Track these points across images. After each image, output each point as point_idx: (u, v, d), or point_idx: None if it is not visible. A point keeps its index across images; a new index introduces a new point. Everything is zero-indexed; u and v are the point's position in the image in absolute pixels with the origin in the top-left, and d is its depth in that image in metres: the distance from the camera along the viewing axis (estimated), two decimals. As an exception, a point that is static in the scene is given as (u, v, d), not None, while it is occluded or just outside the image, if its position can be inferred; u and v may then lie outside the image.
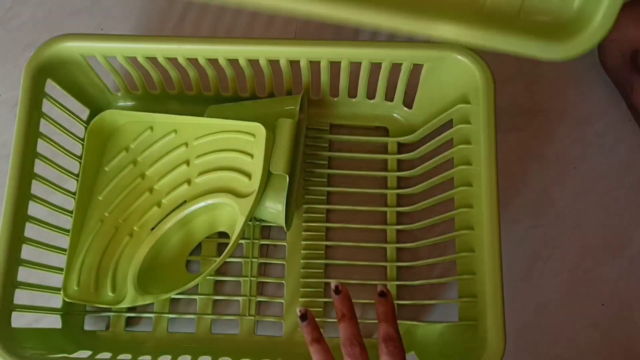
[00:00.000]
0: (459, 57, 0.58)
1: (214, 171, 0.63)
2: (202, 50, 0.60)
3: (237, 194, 0.61)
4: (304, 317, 0.49)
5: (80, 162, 0.66)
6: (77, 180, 0.65)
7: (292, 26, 0.75)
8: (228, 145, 0.64)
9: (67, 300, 0.62)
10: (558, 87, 0.74)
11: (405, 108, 0.69)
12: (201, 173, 0.64)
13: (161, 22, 0.76)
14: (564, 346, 0.66)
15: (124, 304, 0.60)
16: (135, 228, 0.64)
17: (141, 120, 0.67)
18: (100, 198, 0.65)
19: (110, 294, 0.62)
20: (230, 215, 0.63)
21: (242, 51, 0.60)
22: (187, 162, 0.64)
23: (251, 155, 0.62)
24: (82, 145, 0.66)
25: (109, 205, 0.65)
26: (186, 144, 0.65)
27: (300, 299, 0.65)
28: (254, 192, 0.60)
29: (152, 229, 0.64)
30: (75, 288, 0.62)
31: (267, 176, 0.62)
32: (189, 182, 0.64)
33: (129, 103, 0.70)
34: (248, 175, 0.62)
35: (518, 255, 0.69)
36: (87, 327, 0.65)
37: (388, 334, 0.48)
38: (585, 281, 0.68)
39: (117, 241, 0.64)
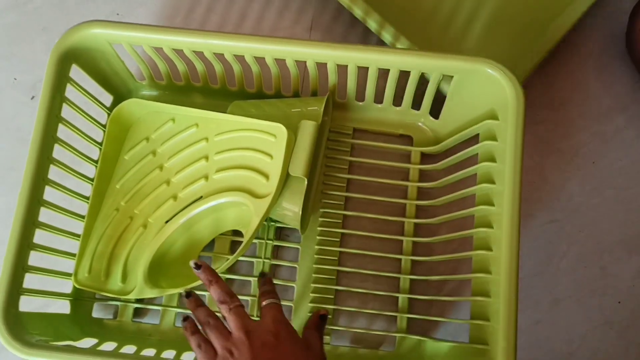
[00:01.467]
0: (489, 71, 0.57)
1: (232, 169, 0.62)
2: (229, 47, 0.59)
3: (254, 194, 0.60)
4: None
5: (100, 149, 0.65)
6: (96, 167, 0.65)
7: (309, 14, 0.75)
8: (248, 144, 0.63)
9: (77, 286, 0.62)
10: (580, 79, 0.72)
11: (431, 118, 0.67)
12: (219, 170, 0.63)
13: (175, 8, 0.75)
14: (578, 344, 0.65)
15: (132, 296, 0.60)
16: (149, 220, 0.63)
17: (164, 112, 0.66)
18: (117, 186, 0.65)
19: (119, 283, 0.62)
20: (245, 214, 0.62)
21: (269, 50, 0.58)
22: (207, 158, 0.64)
23: (271, 156, 0.61)
24: (104, 131, 0.66)
25: (126, 194, 0.64)
26: (207, 139, 0.64)
27: (309, 304, 0.64)
28: (270, 193, 0.59)
29: (167, 221, 0.63)
30: (86, 275, 0.62)
31: (286, 178, 0.61)
32: (206, 177, 0.63)
33: (154, 92, 0.70)
34: (266, 176, 0.61)
35: (533, 250, 0.67)
36: (95, 315, 0.65)
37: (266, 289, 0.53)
38: (602, 278, 0.67)
39: (131, 231, 0.63)
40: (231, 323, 0.49)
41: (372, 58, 0.58)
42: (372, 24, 0.66)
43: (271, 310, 0.50)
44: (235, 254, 0.59)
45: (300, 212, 0.60)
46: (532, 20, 0.71)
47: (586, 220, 0.69)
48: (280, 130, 0.60)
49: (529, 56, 0.66)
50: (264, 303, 0.51)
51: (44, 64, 0.58)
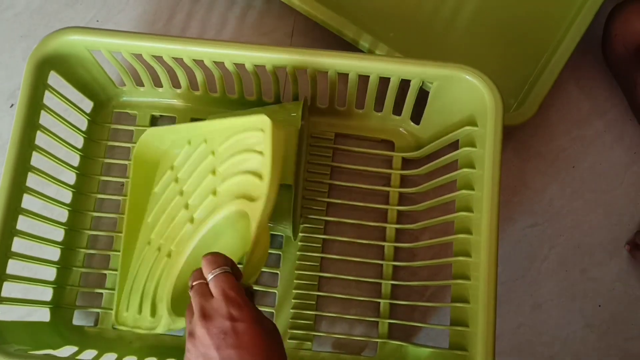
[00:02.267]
0: (468, 77, 0.57)
1: (232, 176, 0.57)
2: (208, 54, 0.58)
3: (250, 198, 0.54)
4: None
5: (81, 155, 0.65)
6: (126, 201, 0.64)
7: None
8: (244, 146, 0.57)
9: (118, 328, 0.61)
10: (559, 84, 0.72)
11: (412, 123, 0.67)
12: (224, 180, 0.57)
13: (155, 15, 0.75)
14: (559, 347, 0.66)
15: (158, 330, 0.56)
16: (172, 247, 0.60)
17: (180, 135, 0.63)
18: (148, 220, 0.63)
19: (150, 317, 0.59)
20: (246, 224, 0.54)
21: (248, 57, 0.58)
22: (214, 171, 0.59)
23: (261, 153, 0.54)
24: (84, 137, 0.66)
25: (154, 226, 0.62)
26: (213, 152, 0.60)
27: (290, 310, 0.64)
28: (263, 195, 0.52)
29: None
30: (125, 314, 0.61)
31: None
32: (214, 192, 0.58)
33: (134, 98, 0.70)
34: (259, 176, 0.54)
35: (515, 254, 0.68)
36: (75, 322, 0.64)
37: (209, 259, 0.46)
38: (582, 281, 0.68)
39: (159, 262, 0.60)
40: (192, 302, 0.45)
41: (351, 64, 0.58)
42: (349, 35, 0.66)
43: (219, 283, 0.44)
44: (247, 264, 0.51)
45: (292, 218, 0.59)
46: (525, 37, 0.72)
47: (567, 223, 0.69)
48: (264, 121, 0.54)
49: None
50: (209, 276, 0.45)
51: (23, 71, 0.58)
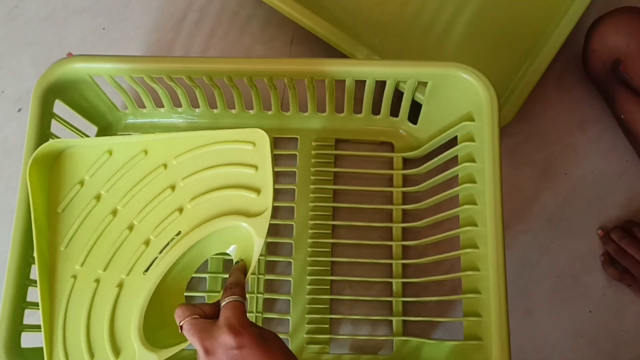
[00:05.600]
0: (463, 75, 0.58)
1: (212, 192, 0.54)
2: (206, 71, 0.59)
3: (248, 214, 0.52)
4: None
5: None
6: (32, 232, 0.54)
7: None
8: (222, 159, 0.54)
9: None
10: (552, 92, 0.73)
11: (410, 124, 0.69)
12: (195, 197, 0.54)
13: (160, 22, 0.77)
14: (549, 353, 0.66)
15: None
16: (122, 276, 0.53)
17: (95, 145, 0.56)
18: (62, 249, 0.54)
19: (113, 359, 0.52)
20: (231, 235, 0.54)
21: (247, 71, 0.60)
22: (172, 187, 0.54)
23: (255, 167, 0.53)
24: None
25: (79, 255, 0.54)
26: (165, 165, 0.55)
27: (306, 316, 0.65)
28: (267, 208, 0.52)
29: (145, 271, 0.54)
30: None
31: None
32: (180, 209, 0.54)
33: (138, 120, 0.71)
34: (256, 191, 0.53)
35: (507, 260, 0.68)
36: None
37: (231, 281, 0.48)
38: (573, 288, 0.68)
39: (104, 296, 0.53)
40: (191, 341, 0.44)
41: (348, 71, 0.60)
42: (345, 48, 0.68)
43: (229, 310, 0.44)
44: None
45: None
46: (519, 37, 0.73)
47: (558, 230, 0.70)
48: (258, 135, 0.53)
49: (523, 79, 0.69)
50: (224, 301, 0.45)
51: (30, 77, 0.59)
